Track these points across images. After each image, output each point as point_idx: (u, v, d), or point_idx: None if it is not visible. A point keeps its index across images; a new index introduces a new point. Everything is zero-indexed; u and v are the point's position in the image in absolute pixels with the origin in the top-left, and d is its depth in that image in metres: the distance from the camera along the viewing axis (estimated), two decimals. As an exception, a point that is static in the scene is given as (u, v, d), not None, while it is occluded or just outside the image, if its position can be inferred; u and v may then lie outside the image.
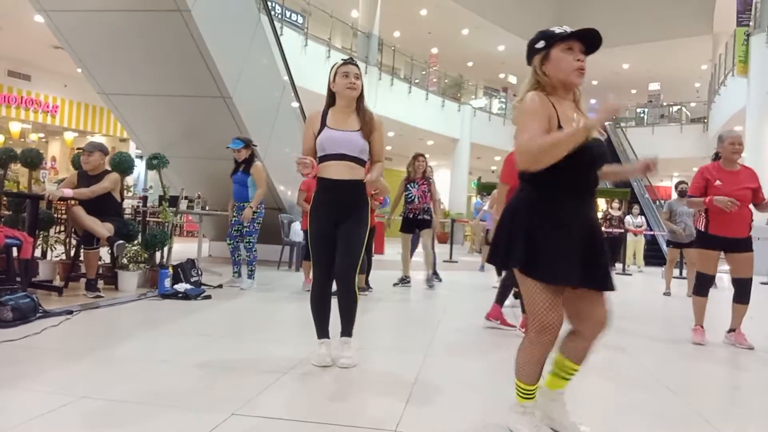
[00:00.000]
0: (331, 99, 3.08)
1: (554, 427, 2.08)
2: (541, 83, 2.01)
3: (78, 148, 5.48)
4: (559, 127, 1.92)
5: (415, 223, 6.64)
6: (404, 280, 6.79)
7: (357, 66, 3.07)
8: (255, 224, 5.85)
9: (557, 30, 1.99)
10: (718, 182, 4.05)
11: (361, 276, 5.80)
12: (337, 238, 2.97)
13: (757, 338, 4.14)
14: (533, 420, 2.04)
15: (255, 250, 5.94)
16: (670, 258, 7.83)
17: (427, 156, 6.90)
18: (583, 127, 1.86)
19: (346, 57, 3.37)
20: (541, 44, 2.00)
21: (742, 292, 4.12)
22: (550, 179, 1.94)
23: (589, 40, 1.98)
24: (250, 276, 5.94)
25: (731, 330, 4.18)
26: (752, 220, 4.10)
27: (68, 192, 4.78)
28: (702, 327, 4.22)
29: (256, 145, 6.15)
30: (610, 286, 1.99)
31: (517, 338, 4.01)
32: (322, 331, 3.10)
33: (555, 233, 1.92)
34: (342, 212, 2.98)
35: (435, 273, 7.56)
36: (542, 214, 1.96)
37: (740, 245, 4.05)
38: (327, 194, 2.99)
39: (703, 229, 4.16)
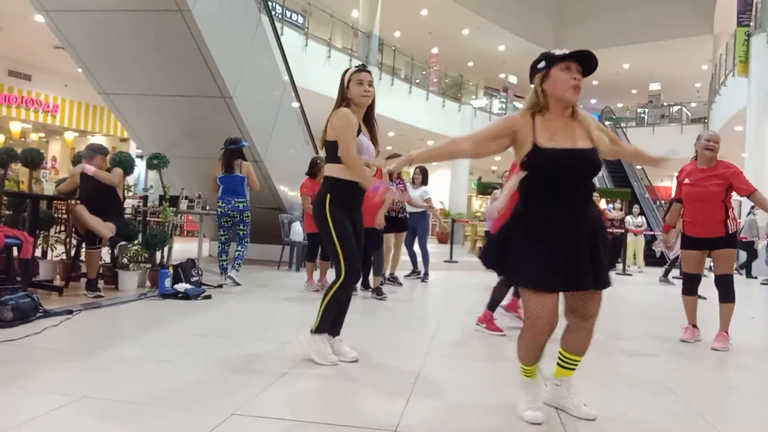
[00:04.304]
0: (344, 103, 3.07)
1: (562, 407, 2.39)
2: (539, 100, 2.23)
3: (78, 152, 5.50)
4: (534, 141, 2.16)
5: (395, 222, 6.62)
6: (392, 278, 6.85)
7: (370, 73, 3.12)
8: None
9: (557, 52, 2.20)
10: (686, 180, 4.11)
11: (378, 278, 5.83)
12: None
13: (757, 338, 4.14)
14: (530, 395, 2.32)
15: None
16: None
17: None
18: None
19: (359, 63, 3.41)
20: (542, 64, 2.21)
21: (720, 289, 4.07)
22: (527, 191, 2.23)
23: (586, 62, 2.19)
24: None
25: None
26: (727, 218, 4.01)
27: (90, 168, 4.91)
28: (693, 326, 4.22)
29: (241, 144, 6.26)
30: (600, 284, 2.18)
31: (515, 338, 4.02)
32: (339, 329, 3.20)
33: (531, 241, 2.15)
34: (358, 214, 3.13)
35: (426, 273, 7.57)
36: (517, 223, 2.23)
37: (718, 244, 4.04)
38: (353, 197, 3.05)
39: (682, 230, 4.25)
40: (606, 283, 2.21)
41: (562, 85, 2.15)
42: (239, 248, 6.23)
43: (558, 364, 2.39)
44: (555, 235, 2.12)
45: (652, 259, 12.36)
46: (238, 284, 5.95)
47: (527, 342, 2.25)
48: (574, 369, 2.37)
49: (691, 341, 4.14)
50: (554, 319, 2.16)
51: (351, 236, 3.01)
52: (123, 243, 4.91)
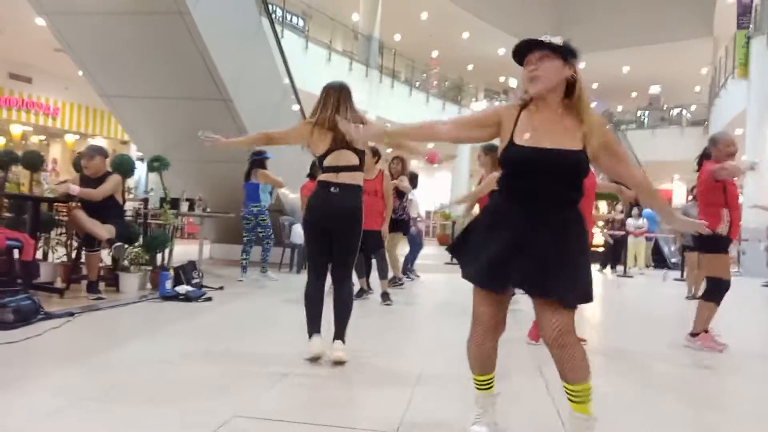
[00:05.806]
0: None
1: None
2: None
3: (78, 153, 5.51)
4: (512, 136, 2.01)
5: (394, 223, 6.53)
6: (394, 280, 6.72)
7: None
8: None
9: None
10: (734, 180, 4.00)
11: (384, 281, 5.75)
12: None
13: (758, 340, 4.14)
14: (480, 409, 2.10)
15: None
16: (691, 262, 7.40)
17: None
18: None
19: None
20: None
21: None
22: (501, 186, 2.08)
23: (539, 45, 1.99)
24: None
25: (695, 334, 4.02)
26: None
27: (75, 189, 4.81)
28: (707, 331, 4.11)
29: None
30: (550, 294, 1.90)
31: (517, 340, 4.02)
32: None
33: (483, 235, 2.02)
34: (329, 220, 3.28)
35: (399, 277, 7.45)
36: (483, 215, 2.12)
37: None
38: (318, 199, 3.30)
39: (725, 234, 3.89)
40: (546, 292, 1.90)
41: (524, 78, 2.05)
42: (262, 252, 6.66)
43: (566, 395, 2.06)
44: (498, 233, 1.96)
45: (652, 260, 12.36)
46: (274, 279, 6.66)
47: (470, 345, 2.06)
48: (575, 401, 2.02)
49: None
50: (489, 321, 2.00)
51: (309, 238, 3.21)
52: (119, 244, 4.90)
